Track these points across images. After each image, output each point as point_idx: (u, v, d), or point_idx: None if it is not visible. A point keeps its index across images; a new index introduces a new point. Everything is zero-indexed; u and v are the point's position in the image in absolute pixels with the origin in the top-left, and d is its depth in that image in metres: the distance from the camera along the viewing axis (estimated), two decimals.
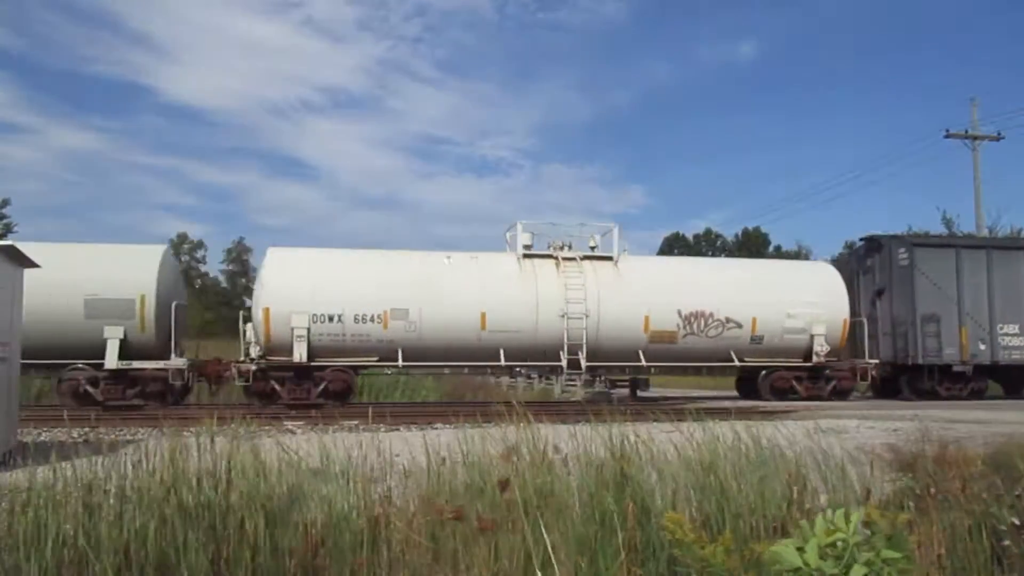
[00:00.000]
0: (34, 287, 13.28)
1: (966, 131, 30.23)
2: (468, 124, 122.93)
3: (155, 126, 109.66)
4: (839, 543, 2.09)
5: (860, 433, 9.28)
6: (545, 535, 3.21)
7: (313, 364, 15.72)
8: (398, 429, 10.17)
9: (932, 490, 4.18)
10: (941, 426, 9.12)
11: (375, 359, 16.39)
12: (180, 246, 68.24)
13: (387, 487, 4.06)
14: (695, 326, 17.38)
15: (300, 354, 15.53)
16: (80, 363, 15.23)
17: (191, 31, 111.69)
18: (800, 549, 2.12)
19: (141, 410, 14.63)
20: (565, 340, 16.74)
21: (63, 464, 3.87)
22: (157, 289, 15.66)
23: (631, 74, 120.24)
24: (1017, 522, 3.91)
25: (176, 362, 15.56)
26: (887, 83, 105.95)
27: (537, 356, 17.20)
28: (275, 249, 17.00)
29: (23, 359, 12.71)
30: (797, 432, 5.32)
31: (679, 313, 17.30)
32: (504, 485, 3.34)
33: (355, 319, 15.91)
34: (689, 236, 70.39)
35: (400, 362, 16.13)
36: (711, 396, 20.78)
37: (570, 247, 17.99)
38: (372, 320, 15.98)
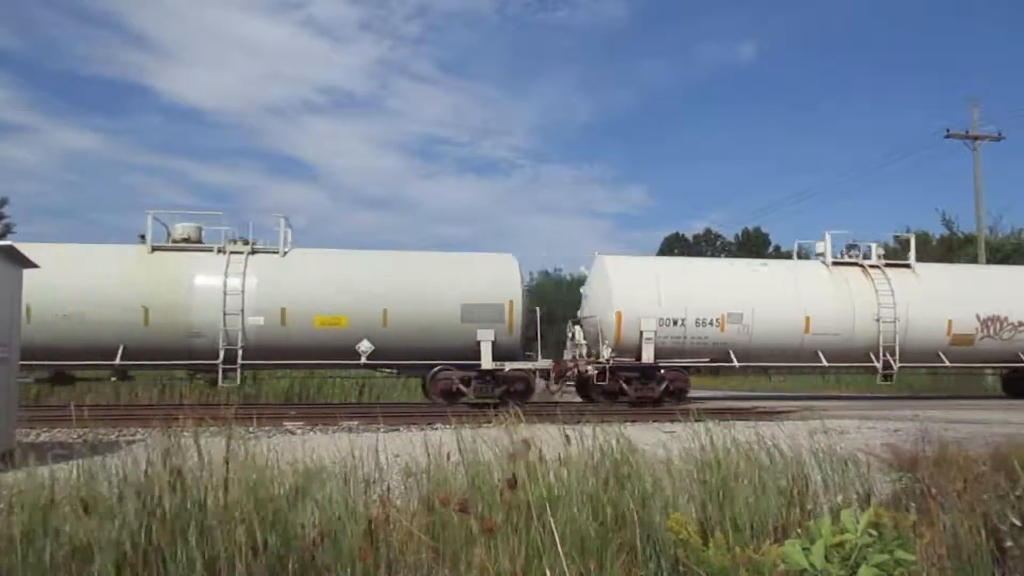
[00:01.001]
0: (418, 293, 16.25)
1: (966, 131, 30.26)
2: (469, 124, 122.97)
3: (155, 126, 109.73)
4: (846, 544, 2.08)
5: (861, 433, 9.28)
6: (546, 535, 3.20)
7: (657, 364, 16.97)
8: (398, 429, 10.16)
9: (933, 490, 4.17)
10: (941, 426, 9.12)
11: (707, 360, 17.74)
12: None
13: (387, 487, 4.06)
14: (991, 329, 18.81)
15: (648, 355, 16.85)
16: (443, 364, 16.37)
17: (192, 31, 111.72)
18: (806, 550, 2.12)
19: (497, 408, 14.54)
20: (880, 343, 18.19)
21: (62, 464, 3.87)
22: (522, 295, 17.07)
23: (631, 74, 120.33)
24: (1018, 522, 3.91)
25: (542, 363, 16.96)
26: (887, 83, 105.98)
27: (852, 358, 18.51)
28: (608, 256, 18.38)
29: (406, 360, 15.26)
30: (797, 432, 5.32)
31: (977, 317, 18.72)
32: (512, 484, 3.34)
33: (696, 323, 17.34)
34: (689, 236, 70.36)
35: (735, 363, 17.48)
36: (711, 396, 20.78)
37: (865, 255, 19.37)
38: (711, 324, 17.39)
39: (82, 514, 3.53)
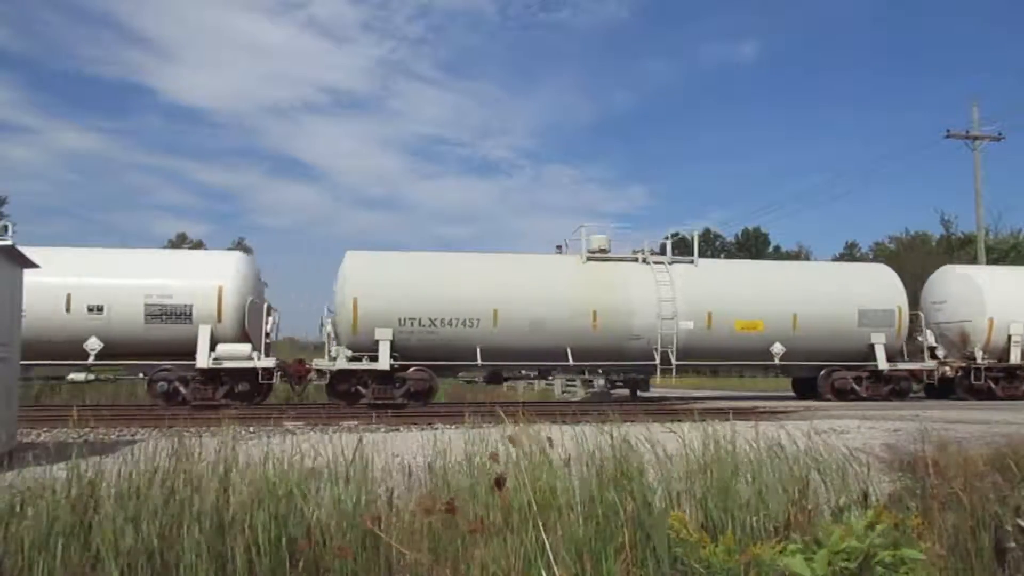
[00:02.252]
0: (821, 300, 17.82)
1: (966, 131, 30.21)
2: (470, 124, 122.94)
3: (156, 126, 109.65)
4: (851, 549, 2.08)
5: (861, 433, 9.26)
6: (545, 535, 3.20)
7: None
8: (398, 429, 10.16)
9: (934, 490, 4.17)
10: (941, 427, 9.11)
11: None
12: (179, 246, 68.08)
13: (388, 487, 4.06)
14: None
15: (1016, 356, 18.71)
16: (836, 364, 17.92)
17: (193, 32, 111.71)
18: (809, 560, 2.12)
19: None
20: None
21: (64, 464, 3.87)
22: (906, 302, 18.68)
23: (632, 74, 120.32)
24: (1020, 523, 3.91)
25: (927, 364, 18.40)
26: (887, 83, 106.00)
27: None
28: (968, 267, 20.72)
29: (806, 361, 17.09)
30: (798, 432, 5.31)
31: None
32: (500, 483, 3.33)
33: None
34: (688, 236, 70.29)
35: None
36: (711, 396, 20.77)
37: None
38: None
39: (87, 513, 3.53)
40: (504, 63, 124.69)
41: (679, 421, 8.65)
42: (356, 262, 16.49)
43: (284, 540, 3.55)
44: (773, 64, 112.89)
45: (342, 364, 15.63)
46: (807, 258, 55.71)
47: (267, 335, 16.30)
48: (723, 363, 18.87)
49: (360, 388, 15.58)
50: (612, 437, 4.40)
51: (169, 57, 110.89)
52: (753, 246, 65.02)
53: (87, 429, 9.78)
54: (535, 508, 3.40)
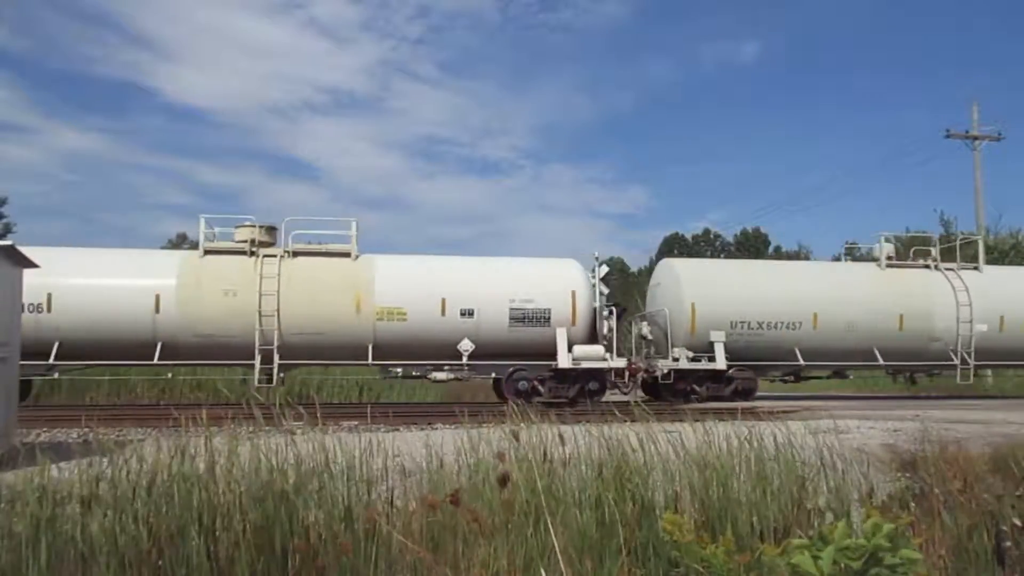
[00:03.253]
0: None
1: (966, 131, 30.27)
2: (470, 124, 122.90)
3: (156, 126, 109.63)
4: (853, 548, 2.08)
5: (861, 433, 9.26)
6: (547, 534, 3.20)
7: None
8: (398, 429, 10.16)
9: (935, 490, 4.17)
10: (942, 426, 9.11)
11: None
12: (179, 246, 68.02)
13: (388, 487, 4.05)
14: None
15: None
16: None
17: (194, 32, 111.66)
18: (816, 556, 2.12)
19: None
20: None
21: (62, 464, 3.86)
22: None
23: (632, 74, 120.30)
24: (1019, 523, 3.90)
25: None
26: (887, 83, 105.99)
27: None
28: None
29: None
30: (798, 432, 5.31)
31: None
32: (504, 481, 3.33)
33: None
34: (688, 236, 70.24)
35: None
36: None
37: None
38: None
39: (84, 513, 3.53)
40: (504, 63, 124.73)
41: (680, 421, 8.65)
42: (690, 270, 18.75)
43: (282, 539, 3.55)
44: (773, 64, 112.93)
45: (684, 364, 17.16)
46: (807, 258, 55.76)
47: (605, 337, 17.47)
48: (1015, 363, 20.14)
49: (695, 387, 17.16)
50: (612, 437, 4.40)
51: (170, 57, 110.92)
52: (753, 246, 64.99)
53: (86, 429, 9.79)
54: (536, 507, 3.40)
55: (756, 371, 17.74)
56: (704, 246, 68.75)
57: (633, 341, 18.12)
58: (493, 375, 16.96)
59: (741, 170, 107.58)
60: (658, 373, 17.27)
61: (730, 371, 17.22)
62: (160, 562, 3.42)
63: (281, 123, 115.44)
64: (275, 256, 16.14)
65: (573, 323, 16.76)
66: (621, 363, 16.88)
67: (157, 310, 15.29)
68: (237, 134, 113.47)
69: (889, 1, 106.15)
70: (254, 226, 16.36)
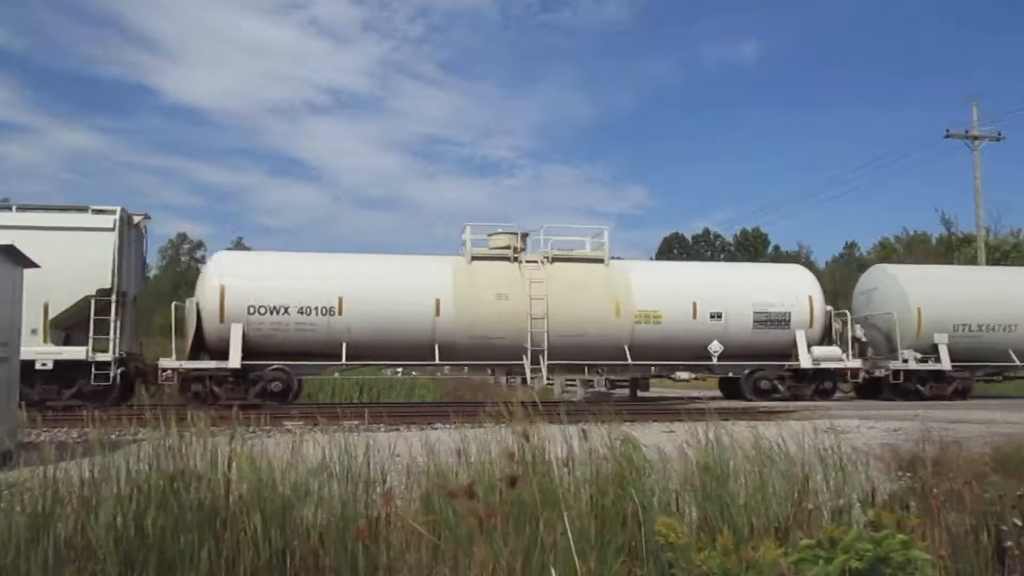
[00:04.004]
0: None
1: (966, 131, 30.24)
2: (470, 124, 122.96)
3: (157, 126, 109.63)
4: (856, 548, 2.07)
5: (861, 433, 9.26)
6: (547, 534, 3.20)
7: None
8: (398, 429, 10.14)
9: (935, 490, 4.17)
10: (942, 426, 9.10)
11: None
12: (180, 246, 68.01)
13: (388, 487, 4.05)
14: None
15: None
16: None
17: (195, 32, 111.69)
18: (828, 560, 2.12)
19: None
20: None
21: (63, 463, 3.86)
22: None
23: (632, 74, 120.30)
24: (1020, 522, 3.90)
25: None
26: (887, 83, 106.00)
27: None
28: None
29: None
30: (798, 432, 5.31)
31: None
32: (513, 482, 3.33)
33: None
34: (688, 236, 70.16)
35: None
36: (711, 396, 20.76)
37: None
38: None
39: (85, 513, 3.52)
40: (504, 63, 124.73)
41: (679, 421, 8.65)
42: (913, 276, 20.02)
43: (283, 538, 3.55)
44: (773, 64, 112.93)
45: (912, 364, 18.43)
46: (807, 258, 55.68)
47: (831, 339, 18.69)
48: None
49: (919, 387, 18.29)
50: (611, 437, 4.40)
51: (170, 57, 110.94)
52: (753, 246, 64.94)
53: (87, 429, 9.77)
54: (536, 508, 3.39)
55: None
56: (704, 246, 68.70)
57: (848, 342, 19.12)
58: (730, 374, 18.13)
59: (741, 170, 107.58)
60: (881, 373, 18.55)
61: (950, 371, 18.44)
62: (160, 563, 3.41)
63: (281, 123, 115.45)
64: (536, 262, 17.33)
65: (810, 325, 17.96)
66: (857, 363, 18.09)
67: (437, 313, 16.34)
68: (237, 134, 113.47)
69: (889, 1, 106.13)
70: (514, 233, 17.70)
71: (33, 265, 8.61)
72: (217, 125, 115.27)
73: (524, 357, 16.44)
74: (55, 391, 14.56)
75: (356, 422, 11.65)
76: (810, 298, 18.19)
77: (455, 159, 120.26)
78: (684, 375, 17.94)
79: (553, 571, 3.10)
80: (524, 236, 17.81)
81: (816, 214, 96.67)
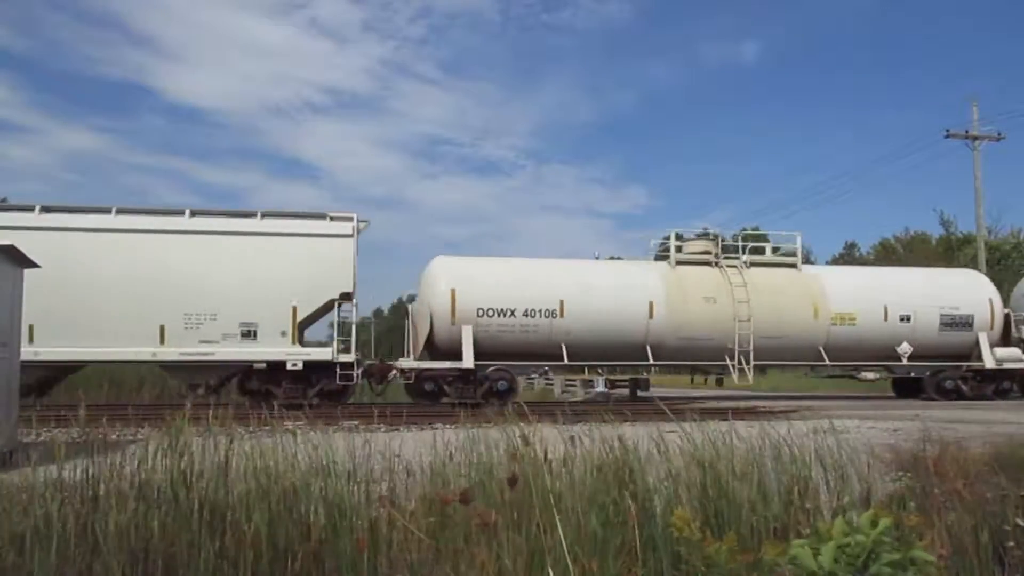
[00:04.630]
0: None
1: (966, 131, 30.22)
2: (470, 124, 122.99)
3: (157, 126, 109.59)
4: (853, 544, 2.08)
5: (861, 433, 9.26)
6: (548, 534, 3.20)
7: None
8: (398, 429, 10.16)
9: (935, 490, 4.17)
10: (942, 426, 9.11)
11: None
12: None
13: (388, 487, 4.05)
14: None
15: None
16: None
17: (196, 33, 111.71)
18: (815, 550, 2.12)
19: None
20: None
21: (65, 463, 3.86)
22: None
23: (633, 74, 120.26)
24: (1020, 523, 3.90)
25: None
26: (887, 83, 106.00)
27: None
28: None
29: None
30: (798, 432, 5.31)
31: None
32: (513, 482, 3.34)
33: None
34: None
35: None
36: (711, 396, 20.77)
37: None
38: None
39: (88, 512, 3.53)
40: (505, 63, 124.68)
41: (680, 421, 8.62)
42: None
43: (284, 537, 3.55)
44: (774, 64, 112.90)
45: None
46: (807, 258, 55.65)
47: (1009, 341, 19.31)
48: None
49: (1012, 384, 18.95)
50: (612, 437, 4.40)
51: (171, 57, 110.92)
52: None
53: (87, 429, 9.76)
54: (536, 507, 3.40)
55: None
56: None
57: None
58: (912, 374, 18.93)
59: (741, 170, 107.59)
60: None
61: None
62: (163, 562, 3.42)
63: (282, 123, 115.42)
64: (735, 267, 18.32)
65: (991, 328, 18.93)
66: None
67: (651, 315, 17.29)
68: (238, 134, 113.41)
69: (889, 1, 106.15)
70: (714, 238, 18.81)
71: (34, 265, 8.59)
72: (217, 125, 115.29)
73: (727, 358, 17.48)
74: (301, 390, 15.23)
75: (356, 422, 11.68)
76: (990, 301, 19.13)
77: (456, 159, 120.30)
78: (870, 375, 18.98)
79: (552, 572, 3.10)
80: (721, 240, 18.83)
81: (816, 214, 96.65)
